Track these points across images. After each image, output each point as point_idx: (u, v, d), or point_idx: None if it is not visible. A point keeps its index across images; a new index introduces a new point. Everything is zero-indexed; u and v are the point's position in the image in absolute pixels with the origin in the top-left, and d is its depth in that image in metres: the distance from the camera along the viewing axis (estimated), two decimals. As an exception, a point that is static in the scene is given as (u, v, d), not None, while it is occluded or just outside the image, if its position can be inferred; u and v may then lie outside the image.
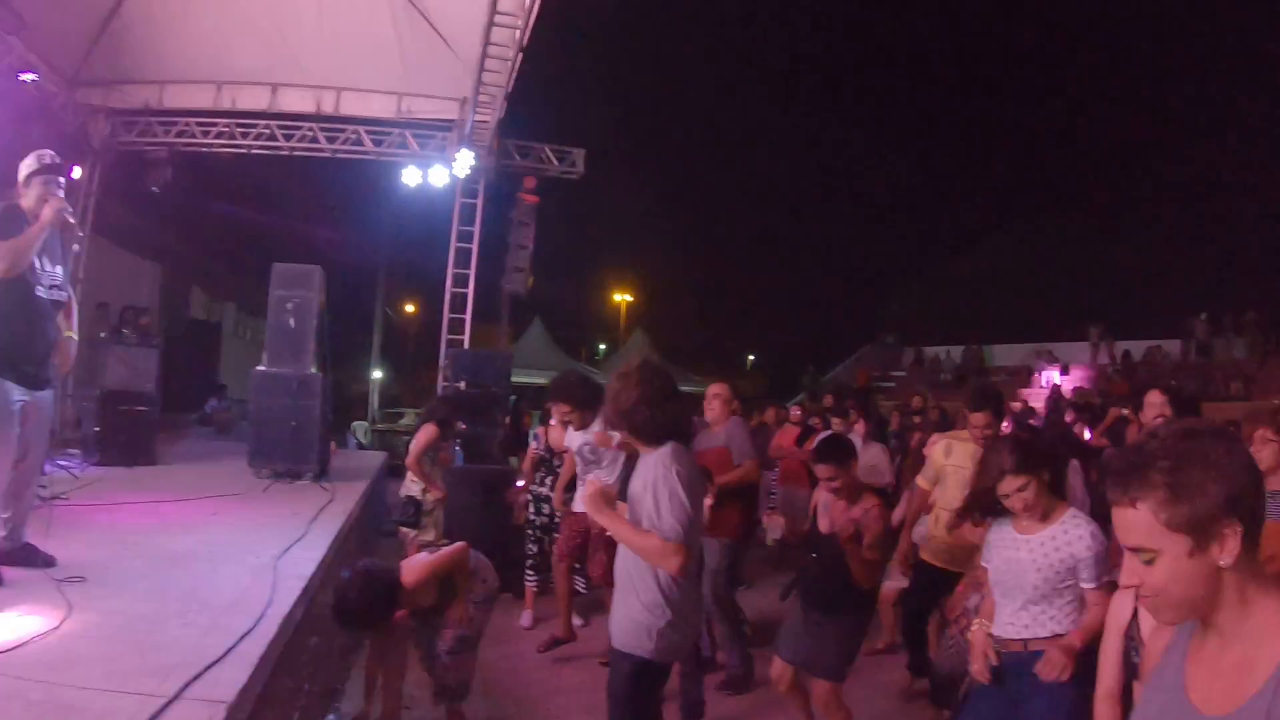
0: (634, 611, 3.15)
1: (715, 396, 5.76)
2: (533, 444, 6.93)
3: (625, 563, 3.23)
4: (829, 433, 7.06)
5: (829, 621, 3.97)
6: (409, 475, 6.36)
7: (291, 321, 7.84)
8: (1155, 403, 4.77)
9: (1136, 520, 1.30)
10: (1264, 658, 1.27)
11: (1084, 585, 3.11)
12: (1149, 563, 1.31)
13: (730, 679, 5.35)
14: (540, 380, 17.78)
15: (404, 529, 6.29)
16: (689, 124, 49.67)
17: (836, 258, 44.36)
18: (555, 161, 14.00)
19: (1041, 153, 47.92)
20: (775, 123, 52.26)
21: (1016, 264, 31.85)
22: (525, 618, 6.41)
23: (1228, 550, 1.28)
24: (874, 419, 7.17)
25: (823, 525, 4.11)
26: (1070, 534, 3.14)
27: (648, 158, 45.37)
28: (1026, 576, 3.14)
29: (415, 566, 3.92)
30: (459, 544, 4.12)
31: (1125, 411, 7.46)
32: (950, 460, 4.94)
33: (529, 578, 6.43)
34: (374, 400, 25.39)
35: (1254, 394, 17.83)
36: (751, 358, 48.11)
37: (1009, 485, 3.17)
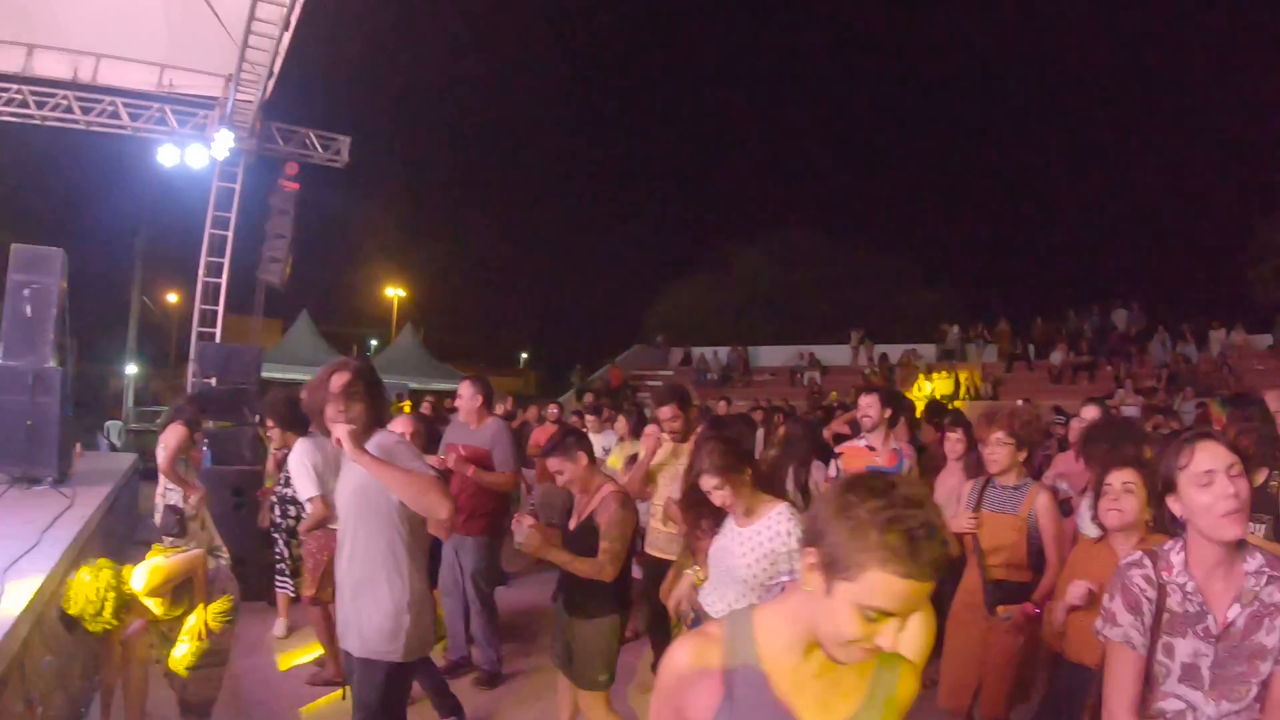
0: (377, 618, 3.14)
1: (467, 396, 5.63)
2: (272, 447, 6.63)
3: (360, 569, 3.20)
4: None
5: (587, 623, 3.88)
6: (163, 482, 5.94)
7: (28, 309, 7.12)
8: (865, 403, 5.22)
9: None
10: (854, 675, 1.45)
11: (785, 580, 3.24)
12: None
13: (484, 675, 5.48)
14: (306, 377, 16.95)
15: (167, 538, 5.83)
16: (463, 119, 49.38)
17: (610, 257, 45.25)
18: (320, 148, 13.59)
19: (811, 162, 51.36)
20: (549, 120, 52.79)
21: (784, 270, 33.50)
22: (278, 626, 6.22)
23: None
24: (634, 417, 7.40)
25: (570, 522, 4.10)
26: (773, 529, 3.30)
27: (421, 151, 45.07)
28: (736, 567, 3.32)
29: (146, 572, 3.71)
30: (195, 550, 3.94)
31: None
32: (658, 457, 5.25)
33: (280, 584, 6.13)
34: (129, 398, 23.45)
35: (1001, 396, 19.46)
36: (525, 355, 48.26)
37: (706, 484, 3.39)
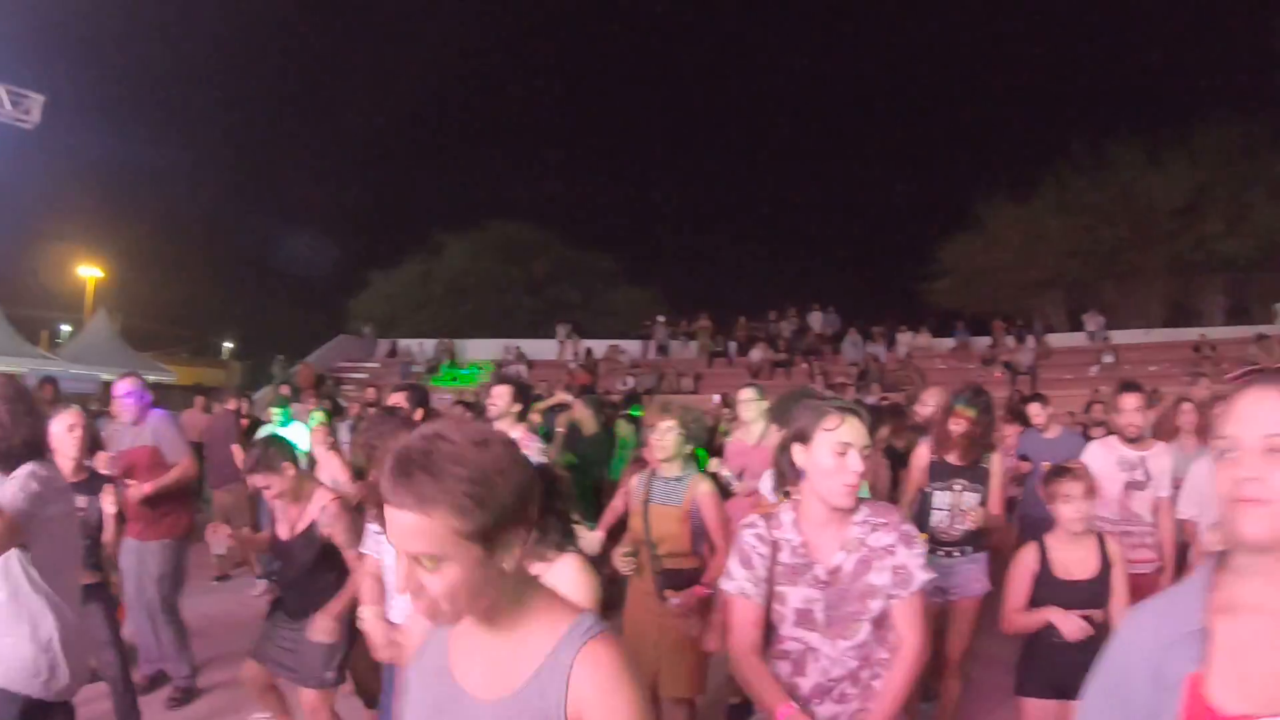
0: (24, 647, 2.79)
1: (126, 395, 5.32)
2: None
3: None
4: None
5: (314, 620, 3.78)
6: None
7: None
8: (496, 393, 5.00)
9: (424, 527, 1.24)
10: (533, 649, 1.37)
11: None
12: (433, 569, 1.26)
13: (178, 690, 5.17)
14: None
15: None
16: (177, 90, 45.64)
17: (316, 244, 43.42)
18: (7, 104, 11.99)
19: (522, 158, 51.36)
20: (261, 99, 50.32)
21: (495, 265, 33.01)
22: None
23: (515, 555, 1.34)
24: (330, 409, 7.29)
25: (281, 532, 4.01)
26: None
27: (124, 120, 40.22)
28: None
29: None
30: None
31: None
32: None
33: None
34: None
35: (700, 390, 20.00)
36: (229, 345, 44.83)
37: None
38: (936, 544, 4.30)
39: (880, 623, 2.33)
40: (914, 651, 2.31)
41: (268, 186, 47.67)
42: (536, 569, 2.23)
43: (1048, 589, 3.28)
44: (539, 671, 1.35)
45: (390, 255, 35.47)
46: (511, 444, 1.35)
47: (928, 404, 5.94)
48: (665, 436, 3.98)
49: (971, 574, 4.33)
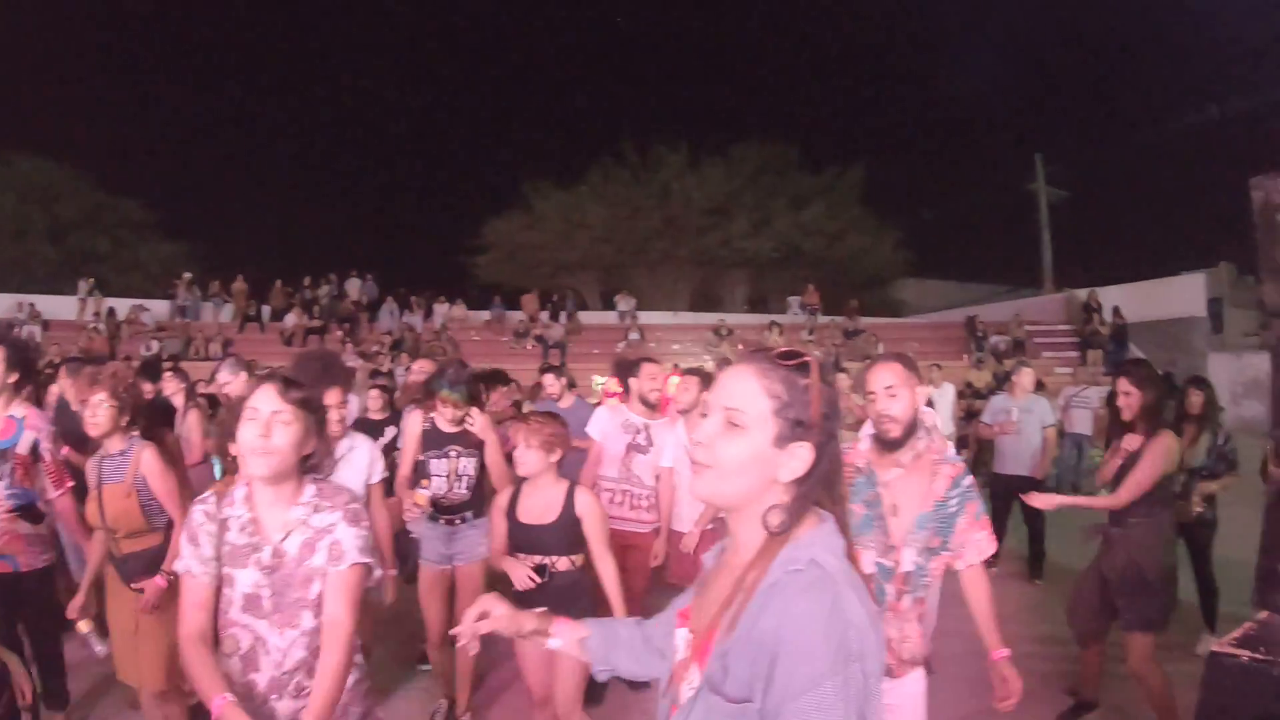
0: None
1: None
2: None
3: None
4: None
5: None
6: None
7: None
8: None
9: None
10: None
11: None
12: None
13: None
14: None
15: None
16: None
17: None
18: None
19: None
20: None
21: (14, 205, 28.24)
22: None
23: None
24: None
25: None
26: None
27: None
28: None
29: None
30: None
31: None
32: None
33: None
34: None
35: (231, 354, 18.77)
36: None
37: None
38: (439, 511, 4.37)
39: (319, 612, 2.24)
40: (343, 629, 2.20)
41: None
42: None
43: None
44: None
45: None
46: None
47: (417, 373, 6.07)
48: (98, 411, 3.67)
49: (473, 539, 4.39)
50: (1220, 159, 27.91)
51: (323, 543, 2.23)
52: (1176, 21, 36.15)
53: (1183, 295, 21.44)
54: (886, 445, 2.77)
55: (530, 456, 3.55)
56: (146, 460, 3.69)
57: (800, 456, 1.36)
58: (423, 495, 4.30)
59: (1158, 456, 4.09)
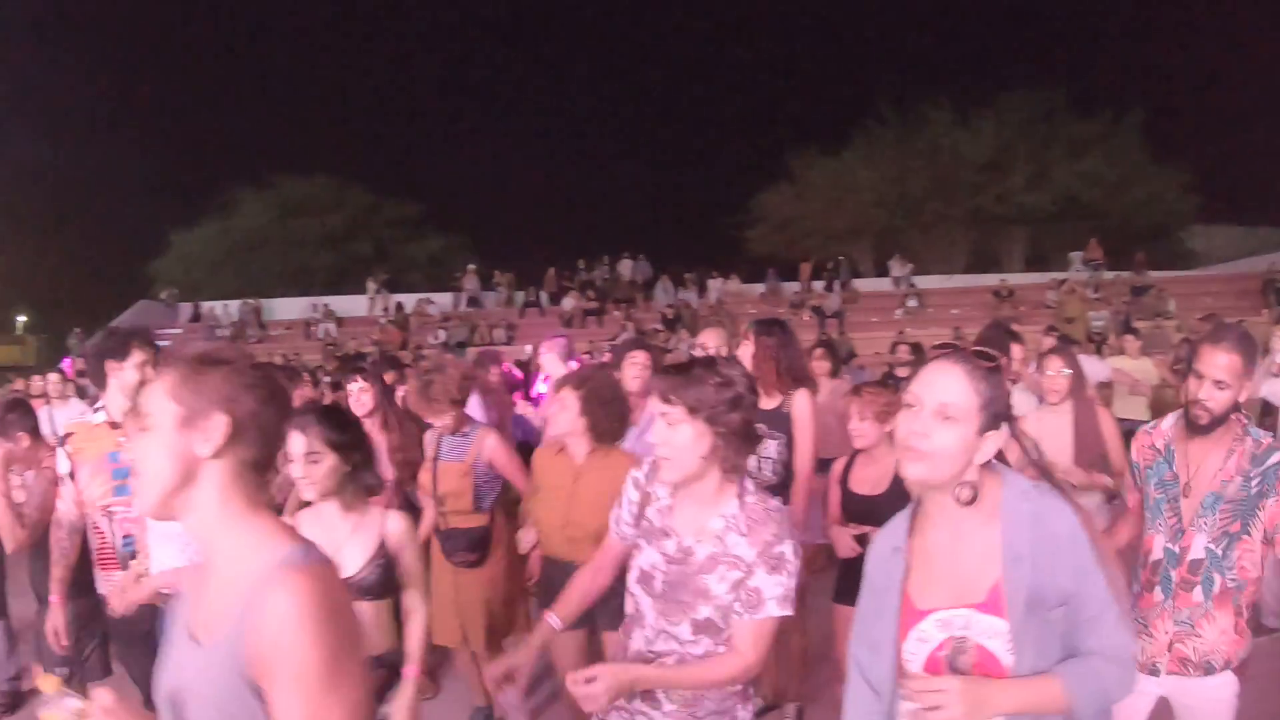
0: None
1: None
2: None
3: None
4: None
5: None
6: None
7: None
8: None
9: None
10: (241, 588, 1.30)
11: None
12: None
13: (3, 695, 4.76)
14: None
15: None
16: None
17: (109, 207, 41.25)
18: None
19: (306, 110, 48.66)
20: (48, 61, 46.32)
21: (285, 219, 31.67)
22: None
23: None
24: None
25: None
26: None
27: None
28: None
29: None
30: None
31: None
32: None
33: None
34: None
35: (515, 341, 19.68)
36: (23, 319, 41.15)
37: None
38: None
39: (705, 629, 2.08)
40: (745, 665, 2.06)
41: (51, 149, 43.54)
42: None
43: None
44: (241, 611, 1.25)
45: (188, 215, 33.46)
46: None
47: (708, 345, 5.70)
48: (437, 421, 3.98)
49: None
50: None
51: (731, 574, 2.05)
52: None
53: None
54: (1195, 429, 2.53)
55: (865, 428, 3.55)
56: (490, 445, 3.87)
57: (996, 442, 1.62)
58: None
59: None
